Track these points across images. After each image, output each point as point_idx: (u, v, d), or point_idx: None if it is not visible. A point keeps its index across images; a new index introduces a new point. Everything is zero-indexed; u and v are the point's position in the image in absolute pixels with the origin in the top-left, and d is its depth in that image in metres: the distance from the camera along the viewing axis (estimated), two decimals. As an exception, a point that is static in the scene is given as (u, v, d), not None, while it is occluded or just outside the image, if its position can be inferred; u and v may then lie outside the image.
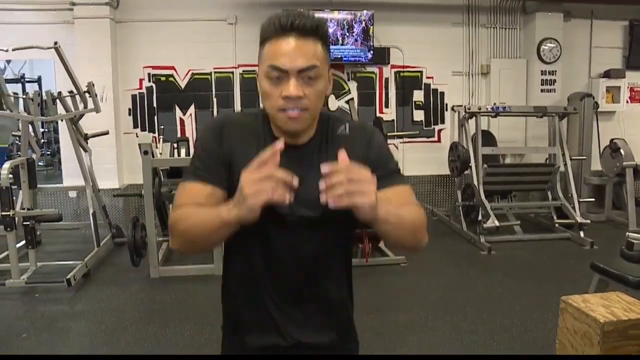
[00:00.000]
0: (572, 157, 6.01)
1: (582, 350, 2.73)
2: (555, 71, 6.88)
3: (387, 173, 1.34)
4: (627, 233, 3.41)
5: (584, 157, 6.36)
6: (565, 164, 5.90)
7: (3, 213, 4.33)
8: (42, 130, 8.49)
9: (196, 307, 4.07)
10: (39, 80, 9.72)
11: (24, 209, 4.63)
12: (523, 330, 3.62)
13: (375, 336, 3.52)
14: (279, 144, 1.14)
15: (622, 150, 6.06)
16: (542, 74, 6.87)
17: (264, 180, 1.10)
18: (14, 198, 4.55)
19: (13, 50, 4.33)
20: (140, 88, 6.60)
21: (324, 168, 1.10)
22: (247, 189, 1.10)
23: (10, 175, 4.46)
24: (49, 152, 9.96)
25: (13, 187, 4.54)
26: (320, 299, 1.39)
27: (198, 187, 1.31)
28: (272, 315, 1.36)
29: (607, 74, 7.05)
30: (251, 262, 1.35)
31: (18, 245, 4.61)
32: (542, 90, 6.87)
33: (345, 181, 1.08)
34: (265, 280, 1.35)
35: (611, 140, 6.28)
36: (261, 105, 1.32)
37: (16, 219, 4.43)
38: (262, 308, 1.36)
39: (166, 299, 4.29)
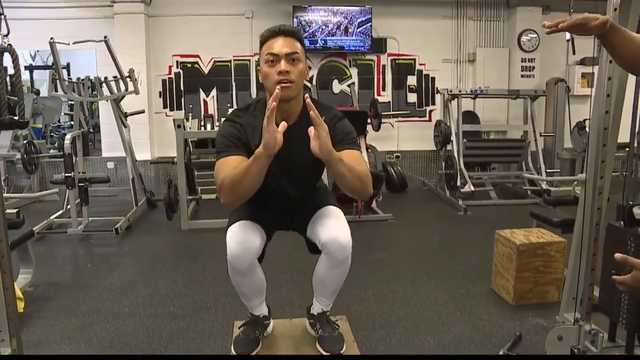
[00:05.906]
0: (542, 134, 6.90)
1: (506, 267, 3.75)
2: (534, 59, 7.74)
3: (343, 139, 1.98)
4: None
5: (552, 134, 7.20)
6: (536, 140, 6.78)
7: (66, 174, 5.36)
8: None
9: (218, 249, 5.02)
10: (67, 67, 10.32)
11: (79, 172, 5.65)
12: (477, 262, 4.55)
13: (360, 267, 4.46)
14: (275, 100, 1.78)
15: (587, 129, 6.89)
16: (522, 62, 7.74)
17: (271, 129, 1.76)
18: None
19: (74, 43, 5.27)
20: (170, 74, 7.63)
21: (311, 130, 1.81)
22: (264, 133, 1.78)
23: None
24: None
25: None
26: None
27: (232, 158, 1.89)
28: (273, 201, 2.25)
29: (582, 62, 7.77)
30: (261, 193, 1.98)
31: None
32: (522, 76, 7.73)
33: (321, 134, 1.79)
34: (267, 200, 2.15)
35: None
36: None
37: (75, 180, 5.48)
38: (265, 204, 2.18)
39: (194, 244, 5.28)
